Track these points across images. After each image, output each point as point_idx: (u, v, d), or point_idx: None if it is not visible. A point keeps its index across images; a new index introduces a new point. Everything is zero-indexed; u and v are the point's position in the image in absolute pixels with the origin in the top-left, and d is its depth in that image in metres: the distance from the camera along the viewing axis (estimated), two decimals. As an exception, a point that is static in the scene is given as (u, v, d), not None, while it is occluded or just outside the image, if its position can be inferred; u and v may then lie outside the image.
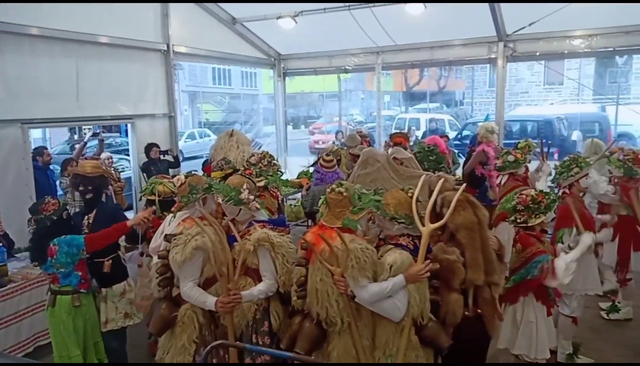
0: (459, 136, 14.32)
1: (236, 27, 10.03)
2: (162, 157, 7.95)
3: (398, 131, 12.59)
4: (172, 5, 8.39)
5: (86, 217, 4.12)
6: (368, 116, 25.06)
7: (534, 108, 19.60)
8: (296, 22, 9.20)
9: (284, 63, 11.57)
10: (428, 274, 2.76)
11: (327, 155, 5.57)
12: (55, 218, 3.82)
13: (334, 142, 11.64)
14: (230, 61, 11.74)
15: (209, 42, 9.52)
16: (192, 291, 3.06)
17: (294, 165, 11.04)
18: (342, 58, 10.92)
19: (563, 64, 22.38)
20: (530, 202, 3.51)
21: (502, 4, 8.20)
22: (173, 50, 8.54)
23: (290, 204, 9.80)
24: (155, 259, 3.46)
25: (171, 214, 3.60)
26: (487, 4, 8.02)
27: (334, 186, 3.03)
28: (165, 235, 3.35)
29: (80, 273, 3.79)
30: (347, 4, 8.68)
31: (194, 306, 3.13)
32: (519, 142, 5.76)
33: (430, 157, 5.65)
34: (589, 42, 8.78)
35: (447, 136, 9.39)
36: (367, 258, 2.77)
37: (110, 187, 6.34)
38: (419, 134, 14.29)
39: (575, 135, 12.92)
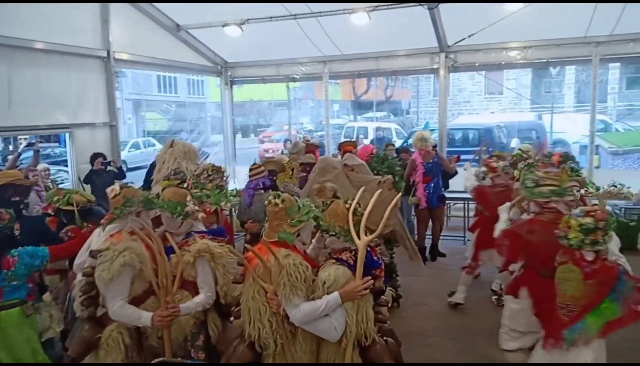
0: (405, 144, 14.67)
1: (180, 34, 9.85)
2: (106, 168, 7.64)
3: (347, 139, 12.74)
4: (112, 10, 8.14)
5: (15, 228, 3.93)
6: (318, 124, 25.22)
7: (475, 117, 20.39)
8: (242, 30, 9.14)
9: (231, 71, 11.47)
10: (366, 291, 2.60)
11: (253, 164, 5.54)
12: (8, 230, 3.71)
13: (282, 152, 11.60)
14: (175, 68, 11.52)
15: (152, 49, 9.30)
16: (123, 310, 2.89)
17: (243, 174, 10.92)
18: (290, 67, 10.95)
19: (502, 75, 23.48)
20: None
21: (442, 17, 8.49)
22: (114, 57, 8.28)
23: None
24: (79, 276, 3.25)
25: (99, 228, 3.38)
26: (429, 17, 8.28)
27: (270, 197, 2.86)
28: (91, 251, 3.17)
29: (30, 284, 3.71)
30: (293, 13, 8.73)
31: (120, 326, 2.96)
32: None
33: (383, 165, 5.74)
34: (525, 54, 9.25)
35: (392, 144, 9.56)
36: (300, 275, 2.60)
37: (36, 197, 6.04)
38: (367, 142, 14.50)
39: (514, 142, 13.54)
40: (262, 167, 5.47)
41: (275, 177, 5.83)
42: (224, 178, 4.95)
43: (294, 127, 19.54)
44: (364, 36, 9.28)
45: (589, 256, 2.97)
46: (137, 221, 3.16)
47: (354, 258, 2.69)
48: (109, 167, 7.59)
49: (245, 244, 3.08)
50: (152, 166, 6.39)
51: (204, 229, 3.38)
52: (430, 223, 7.48)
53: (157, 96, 27.33)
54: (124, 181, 7.88)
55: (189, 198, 3.22)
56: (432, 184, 7.14)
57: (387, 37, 9.37)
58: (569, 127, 15.36)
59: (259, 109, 26.24)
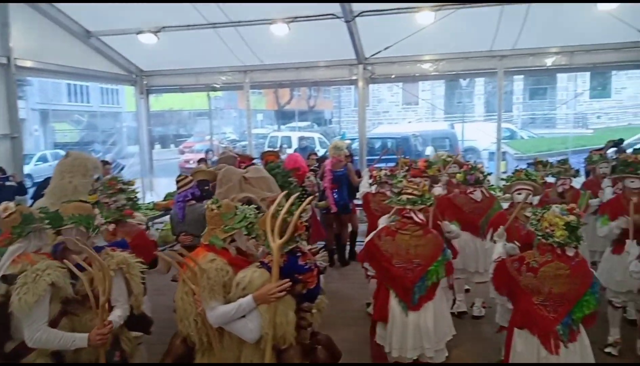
0: (327, 153, 14.88)
1: (91, 40, 9.36)
2: (4, 183, 7.05)
3: (270, 149, 12.71)
4: (12, 14, 7.56)
5: None
6: (241, 134, 24.96)
7: (394, 126, 21.13)
8: (158, 38, 8.85)
9: (146, 80, 11.05)
10: (281, 294, 2.64)
11: (179, 176, 5.38)
12: None
13: (206, 161, 11.33)
14: (86, 76, 10.92)
15: (60, 56, 8.75)
16: (50, 335, 2.72)
17: (162, 186, 10.53)
18: (210, 76, 10.75)
19: (418, 86, 24.60)
20: None
21: (359, 30, 8.74)
22: (15, 65, 7.68)
23: (157, 228, 9.28)
24: None
25: None
26: (346, 29, 8.49)
27: (209, 202, 3.05)
28: (3, 276, 2.91)
29: None
30: (212, 22, 8.60)
31: (42, 355, 2.80)
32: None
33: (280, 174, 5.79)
34: (437, 66, 9.73)
35: (315, 154, 9.67)
36: (219, 279, 2.74)
37: None
38: (290, 151, 14.55)
39: (429, 150, 14.18)
40: (189, 178, 5.32)
41: (207, 187, 5.67)
42: (131, 191, 4.56)
43: (216, 137, 19.21)
44: (284, 47, 9.32)
45: (571, 252, 3.18)
46: (70, 238, 2.99)
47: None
48: (7, 182, 7.03)
49: (179, 249, 3.16)
50: (46, 180, 5.99)
51: (104, 243, 3.30)
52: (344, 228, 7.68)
53: (67, 105, 25.72)
54: (26, 196, 7.34)
55: (95, 211, 3.14)
56: (338, 192, 7.37)
57: (307, 48, 9.49)
58: (479, 136, 16.34)
59: (179, 118, 25.52)
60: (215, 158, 11.68)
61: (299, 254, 2.77)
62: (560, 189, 5.72)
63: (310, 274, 2.77)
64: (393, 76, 10.18)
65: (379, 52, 9.36)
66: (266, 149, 14.52)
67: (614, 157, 7.23)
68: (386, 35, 8.81)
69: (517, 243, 3.86)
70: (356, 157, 9.75)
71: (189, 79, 10.87)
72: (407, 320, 3.64)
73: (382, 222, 4.27)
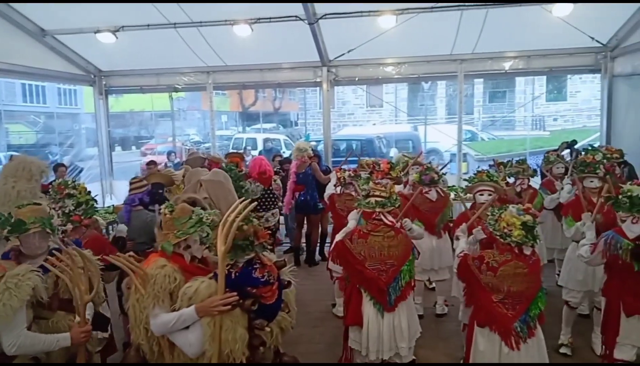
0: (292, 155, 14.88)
1: (46, 39, 9.03)
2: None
3: (234, 151, 12.59)
4: (-40, 10, 7.24)
5: None
6: (205, 135, 24.59)
7: (359, 128, 21.31)
8: (117, 38, 8.63)
9: (105, 80, 10.76)
10: (225, 308, 2.48)
11: (134, 178, 5.25)
12: None
13: (166, 165, 11.13)
14: (41, 76, 10.55)
15: (13, 55, 8.44)
16: (33, 338, 2.72)
17: (122, 189, 10.26)
18: (171, 77, 10.56)
19: (382, 89, 24.88)
20: None
21: (323, 32, 8.76)
22: (-37, 63, 7.36)
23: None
24: None
25: None
26: (310, 31, 8.50)
27: (163, 206, 2.93)
28: None
29: None
30: (173, 22, 8.45)
31: (22, 359, 2.77)
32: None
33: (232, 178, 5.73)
34: (399, 69, 9.87)
35: (280, 155, 9.65)
36: (165, 286, 2.61)
37: None
38: (255, 153, 14.46)
39: (393, 152, 14.37)
40: (144, 182, 5.17)
41: (162, 191, 5.53)
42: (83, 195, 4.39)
43: (179, 139, 18.88)
44: (247, 48, 9.26)
45: (528, 251, 3.28)
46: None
47: (228, 271, 2.61)
48: None
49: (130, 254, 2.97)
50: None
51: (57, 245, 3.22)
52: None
53: (22, 106, 24.74)
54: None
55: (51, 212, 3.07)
56: (304, 193, 7.41)
57: (271, 50, 9.45)
58: (441, 137, 16.65)
59: (140, 120, 24.94)
60: (177, 160, 11.50)
61: (256, 265, 2.59)
62: (518, 189, 5.89)
63: (268, 288, 2.56)
64: (357, 79, 10.27)
65: (343, 54, 9.42)
66: (230, 150, 14.37)
67: (570, 158, 7.51)
68: (349, 38, 8.88)
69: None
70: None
71: (149, 79, 10.65)
72: (383, 321, 3.66)
73: (352, 217, 4.27)
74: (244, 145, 16.94)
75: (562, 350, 4.74)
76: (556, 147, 7.99)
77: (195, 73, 10.39)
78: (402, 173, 6.10)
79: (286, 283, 2.74)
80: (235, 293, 2.52)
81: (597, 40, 9.01)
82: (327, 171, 7.87)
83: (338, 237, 4.02)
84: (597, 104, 10.29)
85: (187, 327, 2.56)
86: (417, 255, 3.96)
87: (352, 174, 5.79)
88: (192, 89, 11.86)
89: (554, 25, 8.26)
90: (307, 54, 9.45)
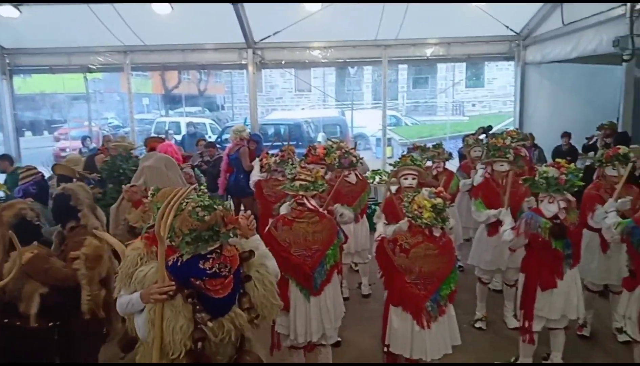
0: (219, 139, 14.52)
1: (-64, 11, 8.10)
2: None
3: (155, 135, 12.06)
4: None
5: None
6: (125, 119, 23.37)
7: (287, 113, 21.16)
8: (21, 12, 7.91)
9: (9, 58, 9.88)
10: (161, 297, 2.37)
11: (24, 167, 4.93)
12: None
13: (81, 150, 10.45)
14: None
15: None
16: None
17: (32, 177, 9.50)
18: (84, 56, 9.88)
19: (310, 73, 24.85)
20: None
21: (247, 13, 8.54)
22: None
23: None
24: None
25: None
26: (233, 12, 8.24)
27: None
28: None
29: None
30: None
31: None
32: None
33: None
34: (326, 53, 9.87)
35: (204, 140, 9.36)
36: (127, 268, 2.56)
37: None
38: (179, 137, 13.93)
39: (320, 136, 14.44)
40: (34, 171, 4.83)
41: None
42: None
43: (96, 123, 17.80)
44: (168, 27, 8.86)
45: (437, 233, 3.38)
46: None
47: (174, 259, 2.50)
48: None
49: None
50: None
51: None
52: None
53: None
54: None
55: None
56: (234, 175, 7.36)
57: (194, 30, 9.11)
58: (368, 122, 16.98)
59: (53, 102, 23.24)
60: (93, 146, 10.83)
61: (212, 255, 2.42)
62: (434, 172, 6.09)
63: (217, 281, 2.41)
64: (283, 62, 10.15)
65: (269, 36, 9.25)
66: (152, 135, 13.76)
67: (486, 142, 7.89)
68: (275, 20, 8.74)
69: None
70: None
71: (60, 58, 9.90)
72: (310, 305, 3.66)
73: (283, 210, 4.17)
74: (166, 129, 16.28)
75: (478, 325, 5.01)
76: (474, 132, 8.36)
77: (111, 53, 9.79)
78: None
79: (244, 277, 2.55)
80: (172, 283, 2.40)
81: (511, 29, 9.51)
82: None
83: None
84: (512, 91, 10.88)
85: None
86: (343, 239, 3.99)
87: (279, 160, 5.71)
88: (108, 70, 11.22)
89: (472, 14, 8.59)
90: (231, 35, 9.20)
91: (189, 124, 12.71)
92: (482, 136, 7.89)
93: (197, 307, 2.41)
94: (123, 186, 4.37)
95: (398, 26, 9.03)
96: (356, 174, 5.60)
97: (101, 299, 3.29)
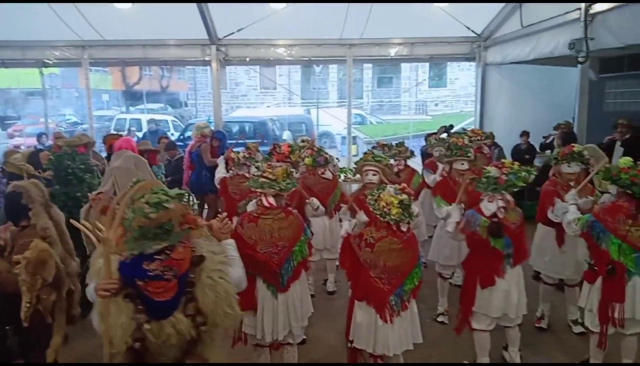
0: (182, 136, 14.27)
1: None
2: None
3: (114, 132, 11.77)
4: None
5: None
6: (84, 116, 22.65)
7: (252, 110, 20.96)
8: (-30, 2, 7.55)
9: (-42, 51, 9.41)
10: (105, 293, 2.30)
11: None
12: None
13: (36, 148, 10.04)
14: None
15: None
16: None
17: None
18: (40, 50, 9.51)
19: (275, 71, 24.73)
20: None
21: (211, 9, 8.41)
22: None
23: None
24: None
25: None
26: (196, 7, 8.10)
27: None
28: None
29: None
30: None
31: None
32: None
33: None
34: (291, 51, 9.83)
35: (166, 137, 9.18)
36: (95, 260, 2.50)
37: None
38: (140, 135, 13.61)
39: (286, 134, 14.40)
40: None
41: None
42: None
43: (53, 120, 17.17)
44: (128, 22, 8.65)
45: (404, 227, 3.43)
46: None
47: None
48: None
49: None
50: None
51: None
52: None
53: None
54: None
55: None
56: (196, 172, 7.29)
57: (155, 25, 8.89)
58: (333, 121, 17.01)
59: (6, 98, 22.27)
60: (50, 143, 10.44)
61: (160, 256, 2.31)
62: (396, 169, 6.17)
63: (158, 284, 2.30)
64: (248, 59, 10.05)
65: (232, 33, 9.14)
66: (112, 132, 13.40)
67: (448, 141, 8.05)
68: (239, 17, 8.65)
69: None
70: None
71: (13, 52, 9.51)
72: (277, 302, 3.62)
73: (250, 207, 4.10)
74: (127, 126, 15.87)
75: (440, 319, 5.10)
76: (436, 131, 8.51)
77: (69, 47, 9.47)
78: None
79: (189, 282, 2.39)
80: (115, 281, 2.33)
81: (472, 31, 9.72)
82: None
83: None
84: (473, 91, 11.12)
85: None
86: (310, 235, 3.95)
87: (247, 155, 5.68)
88: (65, 65, 10.86)
89: (435, 15, 8.74)
90: (194, 31, 9.04)
91: (150, 121, 12.43)
92: (444, 135, 8.04)
93: (139, 307, 2.33)
94: (89, 194, 4.27)
95: (362, 26, 9.08)
96: (330, 171, 5.68)
97: (50, 303, 3.16)
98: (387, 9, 8.47)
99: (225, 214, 2.80)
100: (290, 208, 3.83)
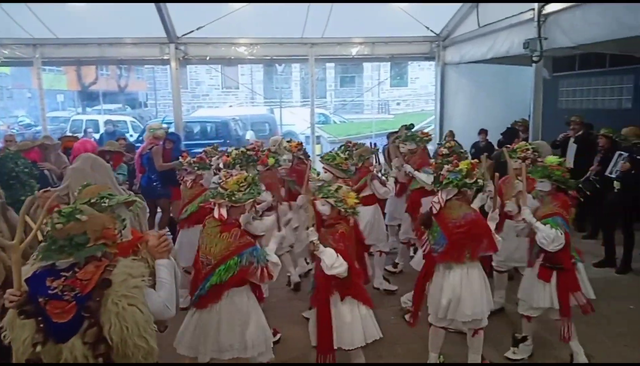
0: (141, 137, 13.90)
1: None
2: None
3: (70, 134, 11.39)
4: None
5: None
6: (38, 117, 21.80)
7: (214, 110, 20.66)
8: None
9: None
10: (10, 304, 2.16)
11: None
12: None
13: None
14: None
15: None
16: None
17: None
18: (-14, 49, 9.07)
19: (237, 70, 24.46)
20: None
21: (169, 7, 8.23)
22: None
23: None
24: None
25: None
26: (153, 5, 7.90)
27: None
28: None
29: None
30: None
31: None
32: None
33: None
34: (252, 50, 9.73)
35: (124, 138, 8.92)
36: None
37: None
38: (97, 136, 13.17)
39: (249, 134, 14.23)
40: None
41: None
42: None
43: (4, 122, 16.51)
44: (83, 20, 8.36)
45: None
46: None
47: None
48: None
49: None
50: None
51: None
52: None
53: None
54: None
55: None
56: (146, 176, 6.92)
57: (112, 23, 8.64)
58: (297, 120, 16.97)
59: (-48, 99, 21.27)
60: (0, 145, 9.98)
61: (66, 273, 2.16)
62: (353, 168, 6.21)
63: (57, 304, 2.10)
64: (208, 58, 9.89)
65: (192, 32, 8.98)
66: (67, 134, 12.96)
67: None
68: (199, 15, 8.49)
69: None
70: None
71: (-43, 50, 9.04)
72: (193, 318, 3.39)
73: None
74: (83, 127, 15.35)
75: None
76: (397, 130, 8.59)
77: (19, 46, 9.08)
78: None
79: (86, 307, 2.16)
80: (18, 293, 2.17)
81: (431, 31, 9.87)
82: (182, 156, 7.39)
83: None
84: (433, 90, 11.30)
85: None
86: (248, 262, 3.26)
87: (194, 161, 5.22)
88: (15, 64, 10.44)
89: (395, 15, 8.83)
90: (152, 29, 8.83)
91: (107, 122, 12.03)
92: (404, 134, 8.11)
93: (40, 326, 2.14)
94: (37, 192, 4.08)
95: (324, 25, 9.09)
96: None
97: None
98: (347, 8, 8.50)
99: (164, 230, 2.64)
100: (233, 224, 3.38)
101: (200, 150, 6.01)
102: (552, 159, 4.19)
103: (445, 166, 3.84)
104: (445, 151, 5.34)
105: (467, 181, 3.72)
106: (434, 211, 3.79)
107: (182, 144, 8.13)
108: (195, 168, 5.16)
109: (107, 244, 2.26)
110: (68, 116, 20.44)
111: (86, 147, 5.94)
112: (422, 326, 4.13)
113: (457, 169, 3.76)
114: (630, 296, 5.39)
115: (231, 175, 3.59)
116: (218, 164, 5.48)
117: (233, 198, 3.36)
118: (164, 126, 7.88)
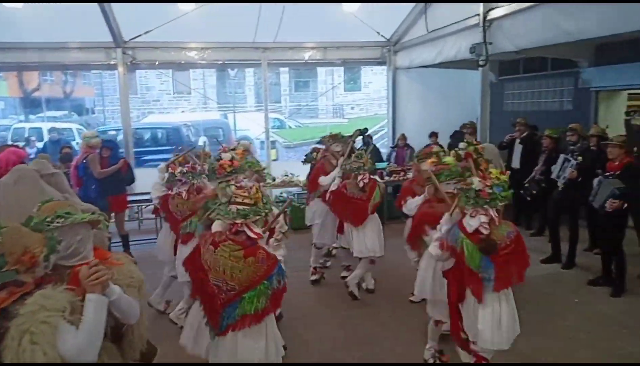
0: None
1: None
2: None
3: (10, 143, 10.81)
4: None
5: None
6: (-25, 125, 20.66)
7: (166, 116, 20.25)
8: None
9: None
10: None
11: None
12: None
13: None
14: None
15: None
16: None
17: None
18: None
19: (189, 75, 24.00)
20: None
21: (115, 10, 7.98)
22: None
23: None
24: None
25: None
26: (98, 8, 7.64)
27: None
28: None
29: None
30: None
31: None
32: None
33: None
34: (203, 54, 9.57)
35: (70, 147, 8.57)
36: None
37: None
38: (40, 145, 12.60)
39: (202, 140, 13.99)
40: None
41: None
42: None
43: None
44: (22, 23, 7.96)
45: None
46: None
47: None
48: None
49: None
50: None
51: None
52: None
53: None
54: None
55: None
56: (84, 187, 6.61)
57: (54, 27, 8.26)
58: (251, 125, 16.84)
59: None
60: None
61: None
62: (361, 184, 6.13)
63: None
64: (157, 63, 9.66)
65: (139, 35, 8.73)
66: (8, 142, 12.30)
67: (362, 144, 8.27)
68: (146, 19, 8.27)
69: None
70: (122, 150, 8.89)
71: None
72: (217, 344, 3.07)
73: (217, 226, 3.45)
74: (26, 135, 14.64)
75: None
76: (351, 134, 8.65)
77: (-48, 49, 8.54)
78: None
79: None
80: None
81: (382, 35, 10.02)
82: (126, 165, 7.14)
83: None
84: (386, 94, 11.46)
85: None
86: (278, 284, 3.06)
87: (185, 170, 5.01)
88: (-52, 69, 9.76)
89: (346, 20, 8.91)
90: (98, 33, 8.52)
91: (52, 130, 11.53)
92: (359, 138, 8.20)
93: None
94: None
95: (276, 29, 9.04)
96: None
97: None
98: (299, 12, 8.49)
99: (96, 261, 2.25)
100: (256, 247, 3.07)
101: (153, 157, 5.83)
102: (449, 159, 4.27)
103: (475, 180, 3.39)
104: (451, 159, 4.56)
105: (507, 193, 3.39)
106: (484, 232, 3.25)
107: (119, 151, 7.85)
108: (190, 178, 4.98)
109: (18, 271, 2.04)
110: (9, 124, 19.44)
111: (10, 157, 5.46)
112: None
113: (499, 181, 3.37)
114: (575, 290, 5.62)
115: (242, 187, 3.26)
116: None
117: (265, 211, 3.14)
118: (112, 132, 7.62)
